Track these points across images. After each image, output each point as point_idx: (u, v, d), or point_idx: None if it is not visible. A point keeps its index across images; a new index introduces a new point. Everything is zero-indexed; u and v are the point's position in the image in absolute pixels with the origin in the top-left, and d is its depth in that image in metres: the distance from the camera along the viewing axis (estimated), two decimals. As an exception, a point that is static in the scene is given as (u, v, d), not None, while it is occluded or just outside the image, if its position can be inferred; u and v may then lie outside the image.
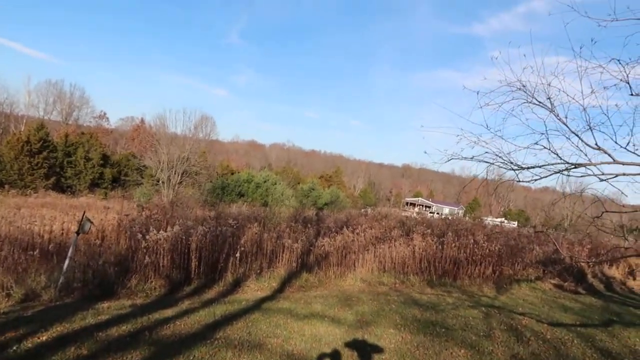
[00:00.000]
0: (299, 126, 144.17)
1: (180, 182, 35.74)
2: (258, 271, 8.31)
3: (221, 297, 6.86)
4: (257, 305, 6.43)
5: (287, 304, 6.72)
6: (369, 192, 60.50)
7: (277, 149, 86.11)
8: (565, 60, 4.14)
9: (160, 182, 35.21)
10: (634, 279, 13.77)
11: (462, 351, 5.20)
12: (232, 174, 40.04)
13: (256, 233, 9.14)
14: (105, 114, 57.40)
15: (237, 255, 8.06)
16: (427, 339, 5.56)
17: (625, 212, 5.35)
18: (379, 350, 4.93)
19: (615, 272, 13.88)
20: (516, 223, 29.67)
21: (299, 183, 48.72)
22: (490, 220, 24.20)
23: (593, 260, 12.12)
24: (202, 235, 7.90)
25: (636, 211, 5.19)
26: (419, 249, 10.53)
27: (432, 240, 10.86)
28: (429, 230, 11.77)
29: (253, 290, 7.58)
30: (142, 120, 56.14)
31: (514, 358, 5.16)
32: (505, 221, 29.53)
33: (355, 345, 5.02)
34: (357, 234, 10.74)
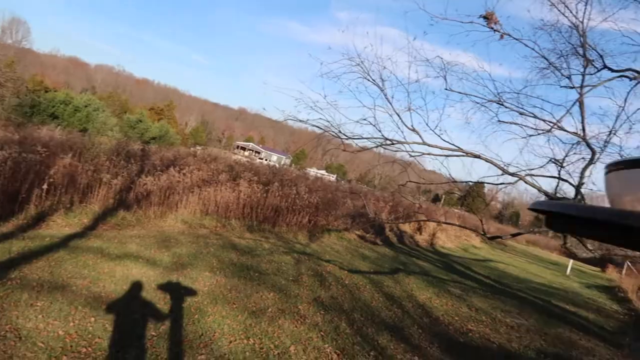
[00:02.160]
0: (132, 50, 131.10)
1: (-26, 92, 29.91)
2: (68, 206, 7.63)
3: (20, 232, 6.18)
4: (64, 243, 5.97)
5: (99, 242, 6.38)
6: (201, 131, 58.72)
7: (104, 72, 77.23)
8: (400, 48, 4.61)
9: (-56, 87, 28.93)
10: (420, 233, 16.32)
11: (272, 294, 5.64)
12: (47, 91, 34.85)
13: (70, 164, 8.30)
14: None
15: (45, 187, 7.26)
16: (240, 282, 5.87)
17: (423, 184, 6.24)
18: (192, 292, 5.07)
19: (407, 227, 16.23)
20: (335, 176, 32.28)
21: (125, 112, 44.83)
22: (313, 171, 25.86)
23: (391, 220, 13.95)
24: (2, 161, 6.89)
25: (432, 183, 6.09)
26: (244, 194, 10.81)
27: (258, 188, 11.23)
28: (255, 177, 12.10)
29: (60, 226, 6.98)
30: None
31: (316, 300, 5.80)
32: (326, 173, 31.85)
33: (169, 287, 5.07)
34: (184, 174, 10.51)
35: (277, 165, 19.13)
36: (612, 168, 0.53)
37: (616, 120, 4.51)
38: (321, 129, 4.73)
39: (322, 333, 4.75)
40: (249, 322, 4.58)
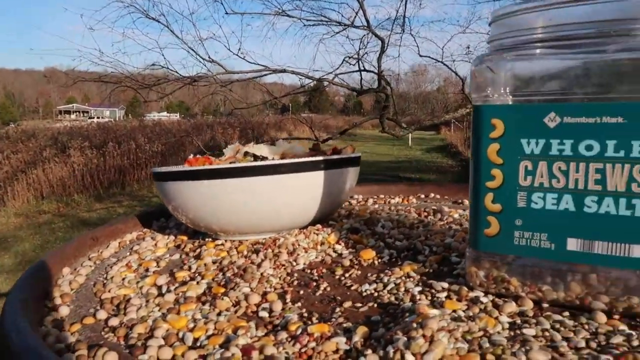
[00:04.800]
0: None
1: None
2: None
3: None
4: None
5: None
6: (9, 105, 50.53)
7: None
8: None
9: None
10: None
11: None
12: None
13: None
14: None
15: None
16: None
17: (246, 107, 6.40)
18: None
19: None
20: (178, 115, 30.86)
21: None
22: (153, 116, 24.39)
23: (243, 142, 14.11)
24: None
25: (254, 106, 6.25)
26: (79, 165, 9.99)
27: (92, 154, 10.41)
28: (86, 143, 11.15)
29: None
30: None
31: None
32: (168, 114, 30.28)
33: (17, 292, 4.73)
34: (0, 162, 9.32)
35: (109, 121, 17.69)
36: (157, 177, 0.64)
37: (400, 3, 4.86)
38: (113, 83, 4.46)
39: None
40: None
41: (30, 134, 13.20)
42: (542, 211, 0.38)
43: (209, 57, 4.77)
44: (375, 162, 14.51)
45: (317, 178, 0.58)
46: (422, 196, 0.91)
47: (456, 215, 0.68)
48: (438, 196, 0.89)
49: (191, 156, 0.66)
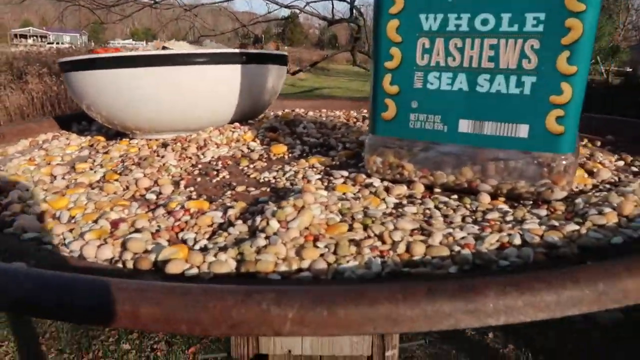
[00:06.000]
0: None
1: None
2: None
3: None
4: None
5: None
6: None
7: None
8: None
9: None
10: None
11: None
12: None
13: None
14: None
15: None
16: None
17: (214, 35, 6.13)
18: None
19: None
20: (145, 42, 29.20)
21: None
22: (117, 42, 23.10)
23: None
24: None
25: (222, 33, 6.01)
26: (38, 92, 9.50)
27: (52, 81, 9.89)
28: (45, 69, 10.56)
29: None
30: None
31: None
32: (134, 42, 28.72)
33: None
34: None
35: (70, 46, 16.70)
36: (63, 68, 0.58)
37: None
38: (67, 1, 4.17)
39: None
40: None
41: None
42: (437, 92, 0.37)
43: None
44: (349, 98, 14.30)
45: (235, 71, 0.55)
46: (365, 111, 0.89)
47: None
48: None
49: (99, 48, 0.62)
